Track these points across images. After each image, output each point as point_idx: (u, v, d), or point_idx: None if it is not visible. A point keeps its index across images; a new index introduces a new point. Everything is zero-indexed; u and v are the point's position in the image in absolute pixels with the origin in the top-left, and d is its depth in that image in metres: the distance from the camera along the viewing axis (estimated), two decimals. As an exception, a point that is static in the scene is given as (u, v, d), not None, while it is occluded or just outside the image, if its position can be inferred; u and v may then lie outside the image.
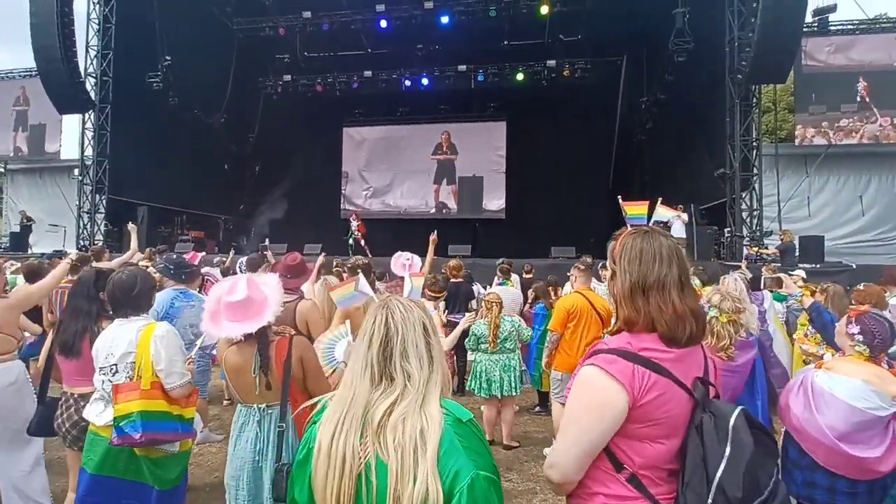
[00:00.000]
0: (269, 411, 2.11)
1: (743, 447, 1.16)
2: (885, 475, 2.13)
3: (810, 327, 3.82)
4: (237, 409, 2.18)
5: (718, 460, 1.16)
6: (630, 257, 1.31)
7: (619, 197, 4.13)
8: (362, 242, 12.71)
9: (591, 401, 1.22)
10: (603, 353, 1.25)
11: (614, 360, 1.21)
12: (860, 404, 2.04)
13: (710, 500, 1.14)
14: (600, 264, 5.27)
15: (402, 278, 4.52)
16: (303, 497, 1.14)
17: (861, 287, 3.95)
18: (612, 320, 2.76)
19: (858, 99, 12.48)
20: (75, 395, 2.54)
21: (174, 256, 4.61)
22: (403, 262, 4.17)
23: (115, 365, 2.24)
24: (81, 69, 11.82)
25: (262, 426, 2.09)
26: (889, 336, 2.20)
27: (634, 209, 3.93)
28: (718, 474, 1.15)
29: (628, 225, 2.76)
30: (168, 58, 12.72)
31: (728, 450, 1.16)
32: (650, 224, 3.27)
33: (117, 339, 2.27)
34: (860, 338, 2.21)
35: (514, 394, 4.53)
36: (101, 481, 2.17)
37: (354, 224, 13.14)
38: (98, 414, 2.25)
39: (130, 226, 5.43)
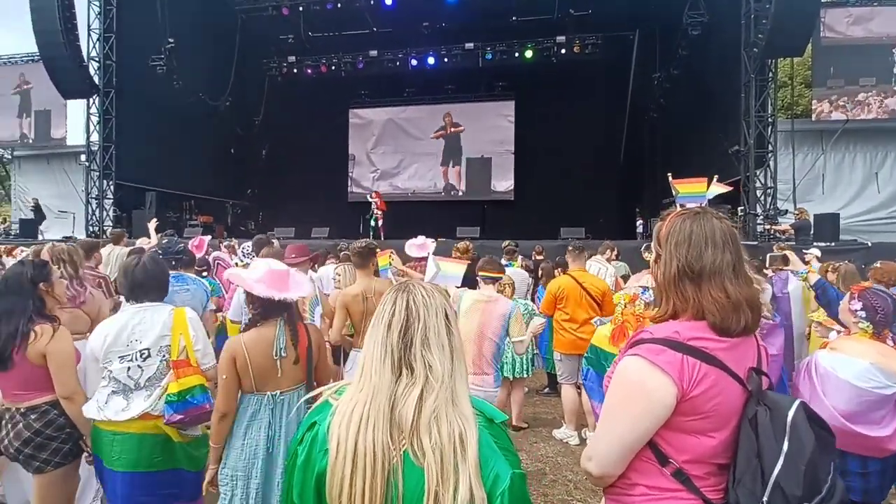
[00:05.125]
0: (282, 398, 2.11)
1: (803, 444, 1.08)
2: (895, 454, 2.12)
3: None
4: (243, 399, 2.13)
5: (775, 457, 1.08)
6: (678, 240, 1.21)
7: (670, 175, 3.83)
8: (380, 223, 12.06)
9: (635, 394, 1.14)
10: (648, 342, 1.16)
11: (661, 351, 1.13)
12: (865, 384, 2.01)
13: (765, 499, 1.08)
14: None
15: (419, 259, 4.48)
16: (308, 501, 1.04)
17: (878, 265, 3.85)
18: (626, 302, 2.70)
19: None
20: (21, 410, 2.20)
21: (164, 241, 4.75)
22: (418, 245, 4.10)
23: (147, 350, 2.19)
24: (84, 53, 11.73)
25: (275, 413, 2.09)
26: (891, 311, 2.18)
27: (688, 187, 3.57)
28: (776, 472, 1.07)
29: (677, 205, 2.59)
30: (171, 40, 12.55)
31: (786, 446, 1.08)
32: (705, 203, 3.00)
33: (143, 323, 2.22)
34: (862, 314, 2.19)
35: (524, 375, 4.57)
36: (138, 478, 2.13)
37: (375, 203, 12.32)
38: (121, 409, 2.12)
39: (152, 223, 6.17)
